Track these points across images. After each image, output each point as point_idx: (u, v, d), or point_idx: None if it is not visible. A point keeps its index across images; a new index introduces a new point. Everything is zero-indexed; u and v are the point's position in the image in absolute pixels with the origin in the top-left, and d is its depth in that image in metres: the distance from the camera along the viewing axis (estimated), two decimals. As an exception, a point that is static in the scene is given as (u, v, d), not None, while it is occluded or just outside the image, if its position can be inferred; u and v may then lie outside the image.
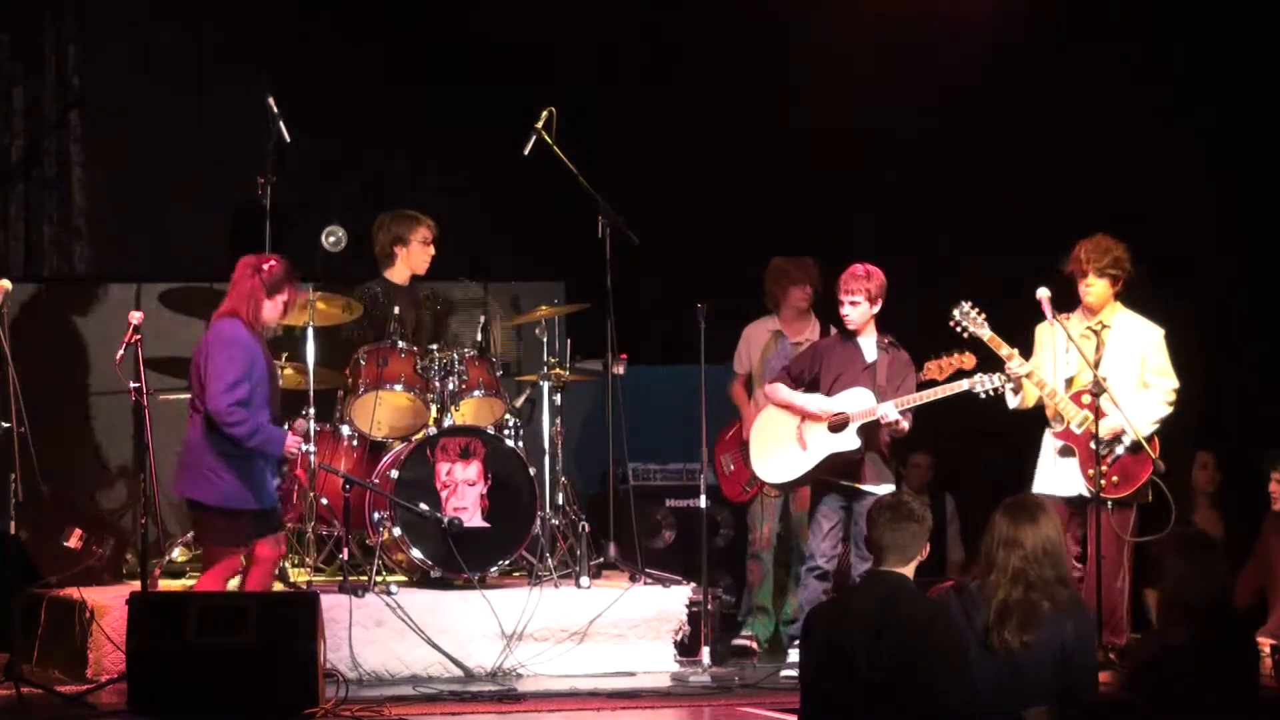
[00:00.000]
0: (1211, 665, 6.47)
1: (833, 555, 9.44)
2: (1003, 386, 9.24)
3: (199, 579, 8.78)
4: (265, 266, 8.65)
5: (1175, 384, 9.42)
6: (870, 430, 9.33)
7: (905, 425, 9.32)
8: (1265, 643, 8.97)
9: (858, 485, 9.36)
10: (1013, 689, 6.53)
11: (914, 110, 11.56)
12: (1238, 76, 11.17)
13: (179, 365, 10.76)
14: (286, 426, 8.80)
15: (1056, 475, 9.35)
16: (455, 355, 9.89)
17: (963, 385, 9.26)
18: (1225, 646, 6.57)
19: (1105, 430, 9.09)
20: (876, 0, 11.48)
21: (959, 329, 9.29)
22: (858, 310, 9.38)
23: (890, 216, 11.54)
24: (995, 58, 11.49)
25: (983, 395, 9.27)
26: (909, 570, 6.57)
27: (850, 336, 9.49)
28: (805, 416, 9.39)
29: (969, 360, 9.35)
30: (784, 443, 9.45)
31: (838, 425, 9.34)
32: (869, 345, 9.47)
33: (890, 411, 9.27)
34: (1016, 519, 6.70)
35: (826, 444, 9.35)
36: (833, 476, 9.39)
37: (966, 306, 9.31)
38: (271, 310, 8.68)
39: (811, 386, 9.50)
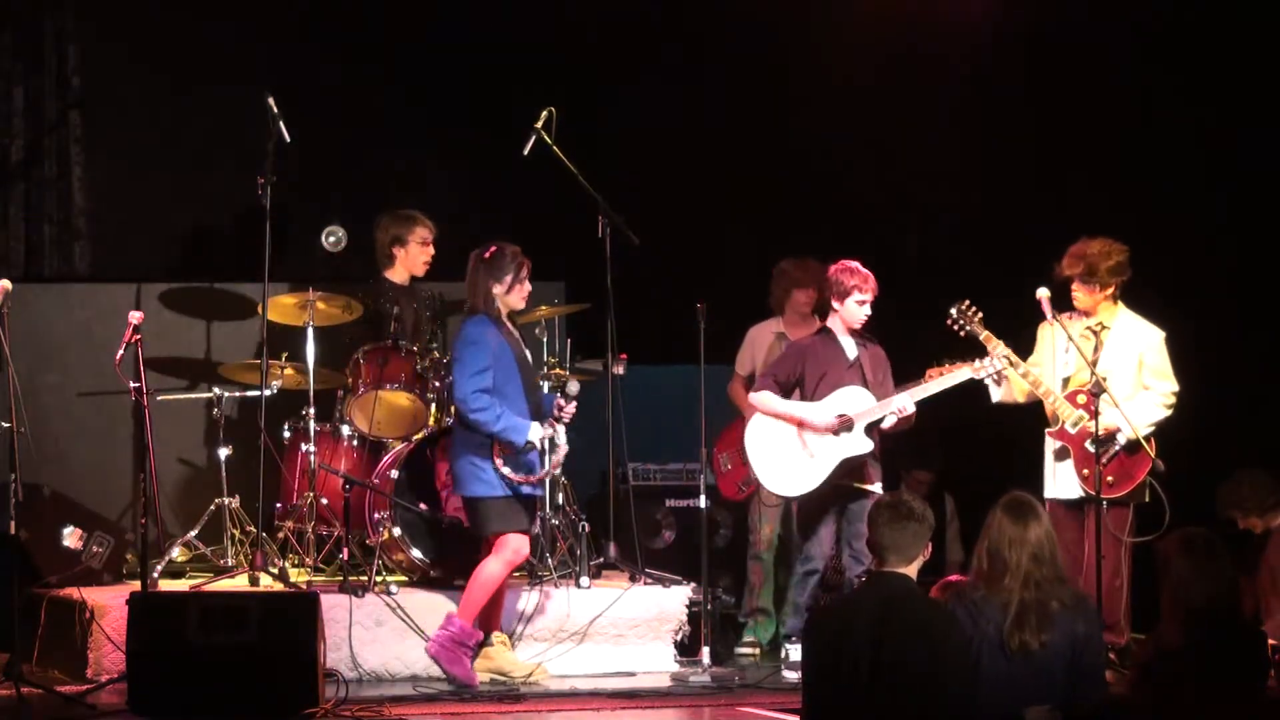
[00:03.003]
0: (1215, 666, 6.47)
1: (829, 555, 9.43)
2: (1005, 368, 9.26)
3: (487, 562, 8.82)
4: (485, 255, 8.81)
5: (1174, 386, 9.41)
6: (873, 429, 9.32)
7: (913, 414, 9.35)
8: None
9: (864, 486, 9.34)
10: (1030, 689, 6.52)
11: (914, 110, 11.56)
12: (1238, 76, 11.16)
13: (179, 365, 10.81)
14: (558, 397, 8.83)
15: (1059, 479, 9.35)
16: (456, 355, 9.88)
17: (966, 373, 9.27)
18: (1230, 647, 6.56)
19: (1101, 428, 9.08)
20: (877, 1, 11.47)
21: (956, 327, 9.31)
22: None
23: (890, 216, 11.52)
24: (995, 57, 11.49)
25: (987, 380, 9.29)
26: (912, 570, 6.55)
27: (830, 335, 9.47)
28: (804, 426, 9.35)
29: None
30: (790, 453, 9.38)
31: (843, 428, 9.32)
32: (848, 342, 9.45)
33: (908, 403, 9.26)
34: (1022, 517, 6.68)
35: (837, 449, 9.29)
36: (841, 480, 9.36)
37: (964, 305, 9.32)
38: (504, 292, 8.81)
39: (795, 387, 9.48)
